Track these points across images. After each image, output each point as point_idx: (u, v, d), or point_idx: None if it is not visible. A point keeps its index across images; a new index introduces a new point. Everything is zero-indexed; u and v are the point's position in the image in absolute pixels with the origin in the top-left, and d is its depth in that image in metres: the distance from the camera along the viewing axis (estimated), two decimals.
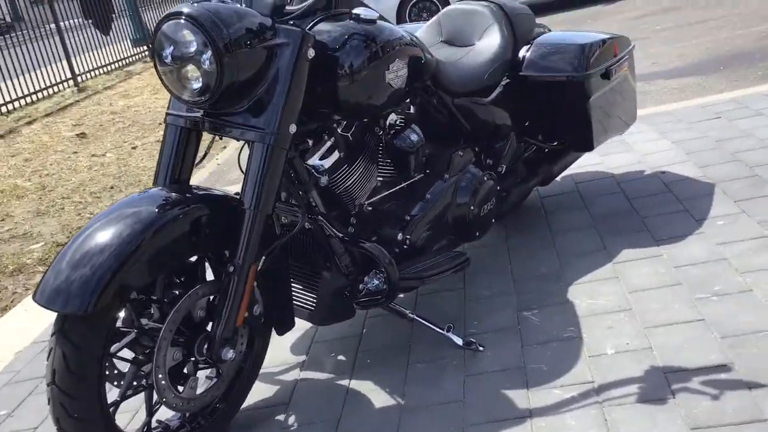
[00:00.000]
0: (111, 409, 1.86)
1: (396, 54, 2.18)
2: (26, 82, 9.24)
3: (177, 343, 1.90)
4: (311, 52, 1.96)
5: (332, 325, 2.52)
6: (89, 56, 10.74)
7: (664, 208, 3.00)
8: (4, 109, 8.80)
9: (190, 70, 1.88)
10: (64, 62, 10.08)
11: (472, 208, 2.56)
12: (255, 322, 2.05)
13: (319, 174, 2.18)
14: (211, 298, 1.98)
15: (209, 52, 1.83)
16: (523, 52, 2.84)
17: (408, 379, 2.22)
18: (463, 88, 2.63)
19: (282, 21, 2.03)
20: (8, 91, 8.88)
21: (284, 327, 2.18)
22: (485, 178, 2.62)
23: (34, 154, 7.05)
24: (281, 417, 2.16)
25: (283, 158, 1.95)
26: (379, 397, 2.17)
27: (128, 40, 12.59)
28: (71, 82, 10.06)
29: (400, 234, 2.36)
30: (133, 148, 6.74)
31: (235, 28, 1.86)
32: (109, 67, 11.10)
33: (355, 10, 2.12)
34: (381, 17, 2.21)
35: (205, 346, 1.93)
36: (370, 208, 2.32)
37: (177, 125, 2.03)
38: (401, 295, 2.71)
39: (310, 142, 2.18)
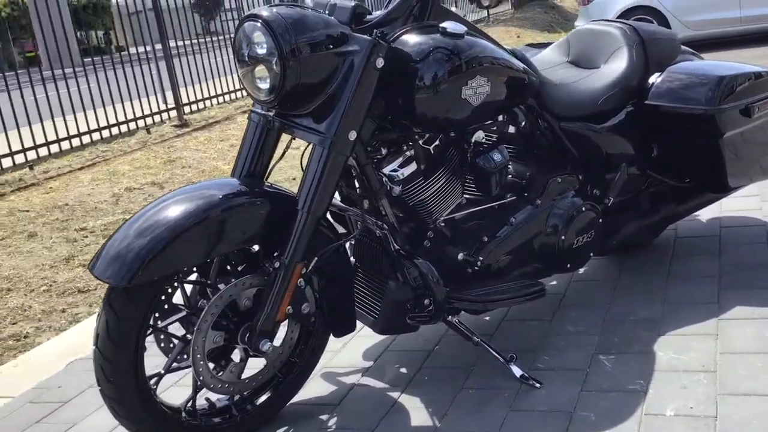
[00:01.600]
0: (154, 380, 2.00)
1: (478, 71, 2.13)
2: None
3: (221, 327, 2.00)
4: (380, 62, 1.98)
5: (408, 337, 2.52)
6: None
7: None
8: (228, 97, 9.60)
9: (260, 70, 1.98)
10: None
11: (563, 238, 2.44)
12: (304, 321, 2.10)
13: (393, 184, 2.18)
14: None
15: (277, 55, 1.92)
16: (653, 79, 2.65)
17: (455, 403, 2.17)
18: (570, 111, 2.51)
19: (363, 29, 2.07)
20: (235, 83, 9.67)
21: (342, 330, 2.22)
22: (583, 209, 2.48)
23: (240, 140, 7.61)
24: (324, 416, 2.20)
25: (341, 164, 1.99)
26: (420, 416, 2.14)
27: None
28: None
29: (473, 255, 2.31)
30: None
31: (305, 33, 1.93)
32: None
33: (443, 24, 2.11)
34: (471, 31, 2.18)
35: (247, 335, 2.01)
36: (443, 224, 2.29)
37: (255, 122, 2.14)
38: (487, 317, 2.65)
39: (384, 151, 2.20)
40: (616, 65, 2.66)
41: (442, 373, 2.35)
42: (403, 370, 2.41)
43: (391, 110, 2.14)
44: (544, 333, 2.51)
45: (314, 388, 2.34)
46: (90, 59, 8.41)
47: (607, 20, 2.86)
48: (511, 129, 2.43)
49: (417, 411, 2.17)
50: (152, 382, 1.98)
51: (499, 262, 2.37)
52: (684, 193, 2.83)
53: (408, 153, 2.21)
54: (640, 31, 2.71)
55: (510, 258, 2.39)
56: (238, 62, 2.05)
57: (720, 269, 2.78)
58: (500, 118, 2.35)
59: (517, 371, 2.23)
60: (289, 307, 2.02)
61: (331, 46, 1.97)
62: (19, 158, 6.79)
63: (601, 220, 2.55)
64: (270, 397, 2.19)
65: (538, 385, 2.18)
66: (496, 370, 2.29)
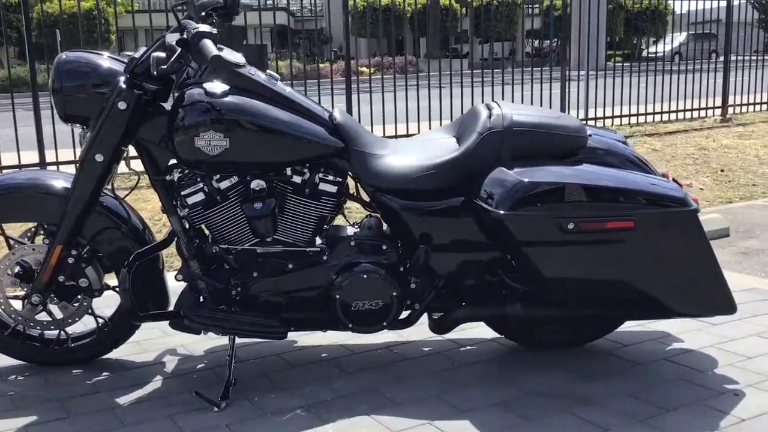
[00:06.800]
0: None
1: (213, 126, 2.40)
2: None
3: (20, 277, 2.69)
4: (122, 104, 2.46)
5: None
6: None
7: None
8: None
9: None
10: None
11: (337, 297, 2.53)
12: (86, 292, 2.69)
13: (181, 207, 2.58)
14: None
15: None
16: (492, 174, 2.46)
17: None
18: (380, 182, 2.55)
19: (140, 78, 2.50)
20: None
21: (144, 308, 2.68)
22: (365, 276, 2.52)
23: None
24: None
25: (92, 177, 2.54)
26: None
27: None
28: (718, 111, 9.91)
29: (240, 284, 2.57)
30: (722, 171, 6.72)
31: (76, 77, 2.53)
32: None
33: (205, 83, 2.43)
34: (236, 90, 2.43)
35: None
36: (215, 250, 2.57)
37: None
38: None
39: (171, 176, 2.57)
40: (456, 150, 2.55)
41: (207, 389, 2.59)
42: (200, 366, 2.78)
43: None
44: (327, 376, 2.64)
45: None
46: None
47: (496, 102, 2.62)
48: (327, 187, 2.57)
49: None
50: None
51: (264, 298, 2.58)
52: (535, 299, 2.54)
53: (200, 184, 2.56)
54: (506, 119, 2.50)
55: (280, 299, 2.59)
56: None
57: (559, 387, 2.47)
58: (296, 171, 2.54)
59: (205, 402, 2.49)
60: (60, 276, 2.64)
61: (93, 88, 2.52)
62: None
63: (395, 294, 2.54)
64: (88, 342, 2.81)
65: (216, 409, 2.43)
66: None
